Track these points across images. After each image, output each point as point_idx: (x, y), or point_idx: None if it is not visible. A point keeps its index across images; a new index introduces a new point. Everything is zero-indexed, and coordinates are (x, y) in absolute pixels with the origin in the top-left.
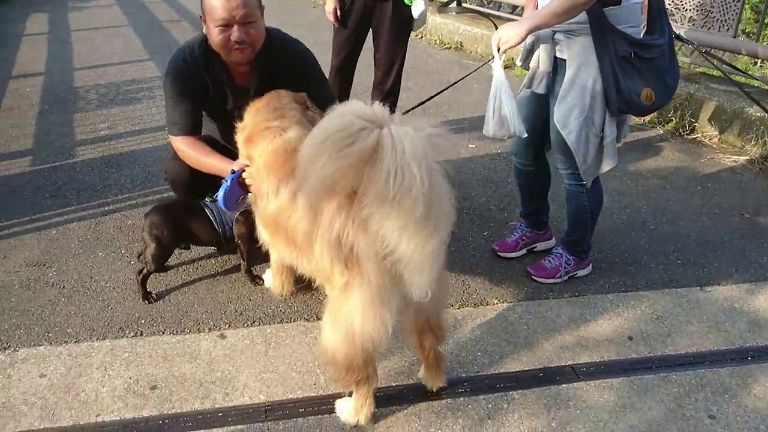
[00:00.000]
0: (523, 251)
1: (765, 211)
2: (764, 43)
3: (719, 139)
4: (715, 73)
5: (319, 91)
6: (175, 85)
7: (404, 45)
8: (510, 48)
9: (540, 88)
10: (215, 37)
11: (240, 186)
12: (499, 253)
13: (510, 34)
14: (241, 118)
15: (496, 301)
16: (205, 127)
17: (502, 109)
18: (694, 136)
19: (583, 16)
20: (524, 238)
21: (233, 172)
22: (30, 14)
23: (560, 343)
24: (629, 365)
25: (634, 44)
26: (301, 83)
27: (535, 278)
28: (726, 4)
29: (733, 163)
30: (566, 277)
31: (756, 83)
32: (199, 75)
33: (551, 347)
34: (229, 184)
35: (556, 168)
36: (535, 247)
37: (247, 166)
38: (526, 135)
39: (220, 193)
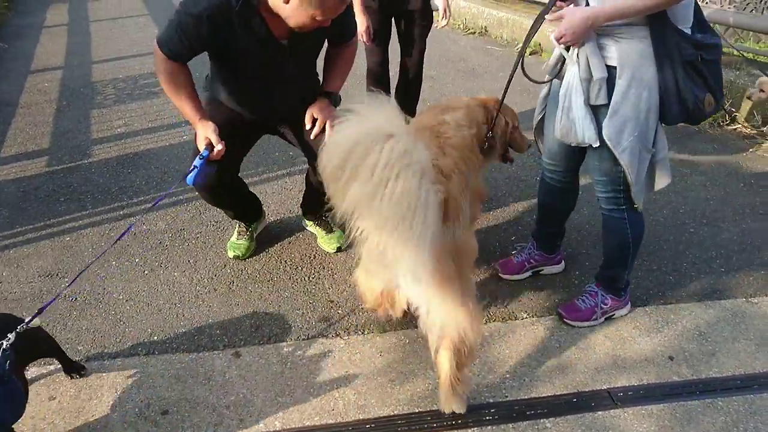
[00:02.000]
0: (528, 274)
1: None
2: None
3: (763, 131)
4: (761, 58)
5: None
6: (197, 19)
7: (426, 33)
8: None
9: (600, 99)
10: (304, 19)
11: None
12: (501, 275)
13: (579, 25)
14: (278, 71)
15: (525, 315)
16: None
17: (571, 112)
18: (734, 127)
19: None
20: (532, 260)
21: (203, 154)
22: (51, 4)
23: (595, 364)
24: (671, 389)
25: (700, 46)
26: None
27: (567, 321)
28: None
29: None
30: (602, 319)
31: None
32: (228, 26)
33: (585, 368)
34: (199, 168)
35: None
36: (542, 270)
37: (211, 144)
38: (598, 143)
39: (191, 177)
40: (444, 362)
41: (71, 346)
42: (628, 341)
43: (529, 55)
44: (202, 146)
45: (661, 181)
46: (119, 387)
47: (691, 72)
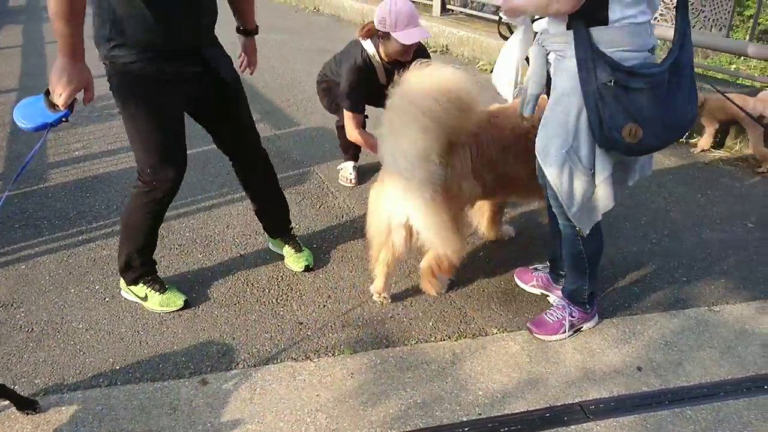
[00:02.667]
0: (536, 291)
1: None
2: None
3: (716, 143)
4: (709, 72)
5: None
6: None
7: None
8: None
9: (526, 111)
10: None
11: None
12: (516, 280)
13: None
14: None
15: (495, 331)
16: None
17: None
18: (689, 140)
19: (571, 35)
20: (539, 279)
21: (65, 113)
22: (4, 26)
23: (566, 377)
24: (640, 400)
25: (618, 70)
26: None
27: (536, 336)
28: (717, 4)
29: (731, 168)
30: (571, 332)
31: (739, 80)
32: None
33: (557, 382)
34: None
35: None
36: (548, 296)
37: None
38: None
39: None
40: (427, 259)
41: (28, 379)
42: (597, 353)
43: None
44: (64, 96)
45: (603, 204)
46: (80, 421)
47: (606, 95)
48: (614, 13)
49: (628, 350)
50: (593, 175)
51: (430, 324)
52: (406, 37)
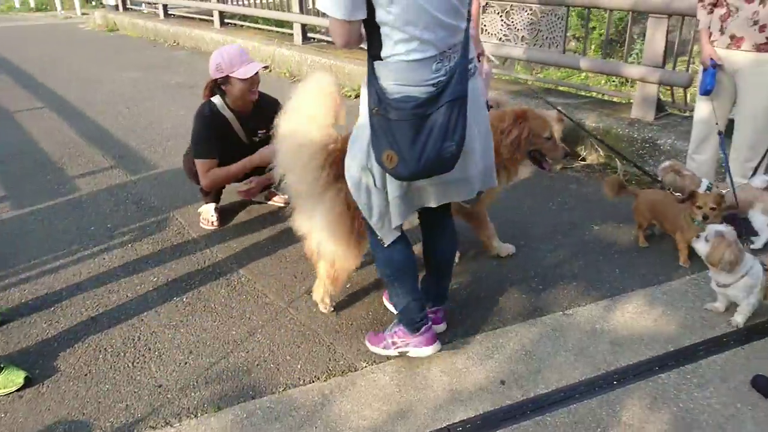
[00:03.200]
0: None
1: (611, 221)
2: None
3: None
4: (552, 86)
5: None
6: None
7: None
8: None
9: None
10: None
11: None
12: (385, 301)
13: None
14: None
15: (365, 364)
16: None
17: None
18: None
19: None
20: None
21: None
22: None
23: (434, 402)
24: (504, 414)
25: (382, 101)
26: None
27: (367, 345)
28: (552, 24)
29: (578, 175)
30: (395, 351)
31: (593, 94)
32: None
33: (425, 409)
34: None
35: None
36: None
37: None
38: None
39: None
40: (320, 269)
41: None
42: (463, 373)
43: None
44: None
45: (393, 220)
46: None
47: (375, 124)
48: (386, 50)
49: (492, 365)
50: (386, 193)
51: (299, 367)
52: (244, 71)
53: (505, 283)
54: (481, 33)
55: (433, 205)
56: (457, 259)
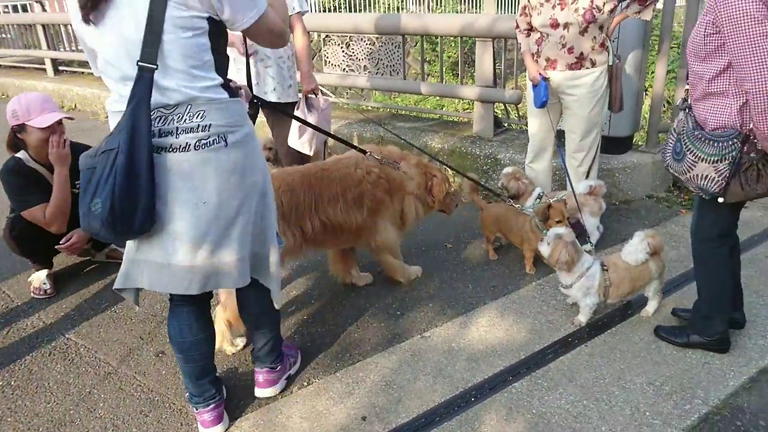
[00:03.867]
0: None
1: (463, 238)
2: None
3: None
4: (402, 111)
5: None
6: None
7: None
8: None
9: None
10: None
11: None
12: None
13: None
14: None
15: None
16: None
17: None
18: None
19: None
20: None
21: None
22: None
23: None
24: None
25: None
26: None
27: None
28: (390, 52)
29: None
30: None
31: (442, 117)
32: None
33: None
34: None
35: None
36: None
37: None
38: None
39: None
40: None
41: None
42: (324, 415)
43: None
44: None
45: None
46: None
47: None
48: None
49: (353, 402)
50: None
51: None
52: (41, 120)
53: (363, 314)
54: (325, 65)
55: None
56: (312, 295)
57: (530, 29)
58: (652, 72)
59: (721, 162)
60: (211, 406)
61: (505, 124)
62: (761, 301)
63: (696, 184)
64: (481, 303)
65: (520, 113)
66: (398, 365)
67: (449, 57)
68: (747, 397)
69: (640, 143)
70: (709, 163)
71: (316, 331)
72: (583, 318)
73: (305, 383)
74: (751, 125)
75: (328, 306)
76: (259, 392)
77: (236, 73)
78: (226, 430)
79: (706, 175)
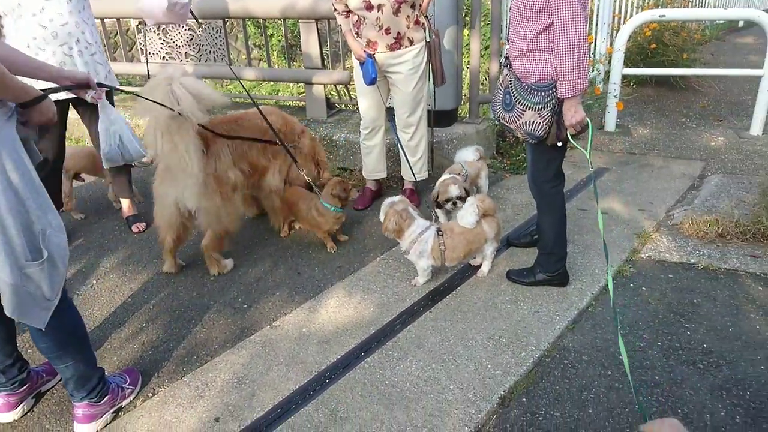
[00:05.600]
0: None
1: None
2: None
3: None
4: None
5: None
6: None
7: None
8: None
9: None
10: None
11: None
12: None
13: None
14: None
15: None
16: None
17: None
18: None
19: None
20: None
21: None
22: None
23: None
24: None
25: None
26: None
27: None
28: (212, 38)
29: None
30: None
31: (278, 102)
32: None
33: None
34: None
35: None
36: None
37: None
38: None
39: None
40: (206, 238)
41: None
42: (173, 424)
43: None
44: None
45: None
46: None
47: None
48: None
49: (203, 405)
50: None
51: None
52: None
53: (207, 312)
54: (142, 54)
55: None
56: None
57: (348, 11)
58: (468, 46)
59: (544, 109)
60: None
61: (338, 106)
62: (576, 250)
63: (525, 131)
64: (328, 285)
65: (352, 94)
66: (249, 359)
67: (279, 41)
68: (571, 338)
69: (463, 116)
70: (534, 110)
71: (157, 338)
72: (421, 279)
73: (150, 394)
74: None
75: (168, 310)
76: (78, 428)
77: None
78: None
79: (533, 122)
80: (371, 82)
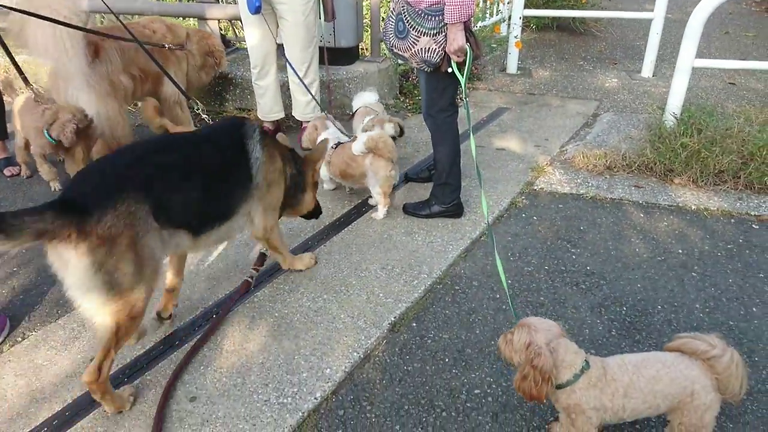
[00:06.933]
0: None
1: None
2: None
3: None
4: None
5: None
6: None
7: None
8: None
9: None
10: None
11: None
12: None
13: None
14: None
15: None
16: None
17: None
18: None
19: None
20: None
21: None
22: None
23: (9, 414)
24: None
25: None
26: None
27: None
28: None
29: None
30: None
31: None
32: None
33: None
34: None
35: None
36: None
37: None
38: None
39: None
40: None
41: None
42: (44, 367)
43: None
44: None
45: None
46: None
47: None
48: None
49: (78, 346)
50: None
51: None
52: None
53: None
54: None
55: None
56: None
57: None
58: None
59: (439, 34)
60: None
61: (234, 44)
62: (473, 183)
63: (420, 58)
64: None
65: None
66: None
67: None
68: (463, 265)
69: (365, 54)
70: (429, 36)
71: (29, 282)
72: (326, 186)
73: (19, 338)
74: None
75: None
76: None
77: None
78: None
79: (429, 48)
80: (256, 10)
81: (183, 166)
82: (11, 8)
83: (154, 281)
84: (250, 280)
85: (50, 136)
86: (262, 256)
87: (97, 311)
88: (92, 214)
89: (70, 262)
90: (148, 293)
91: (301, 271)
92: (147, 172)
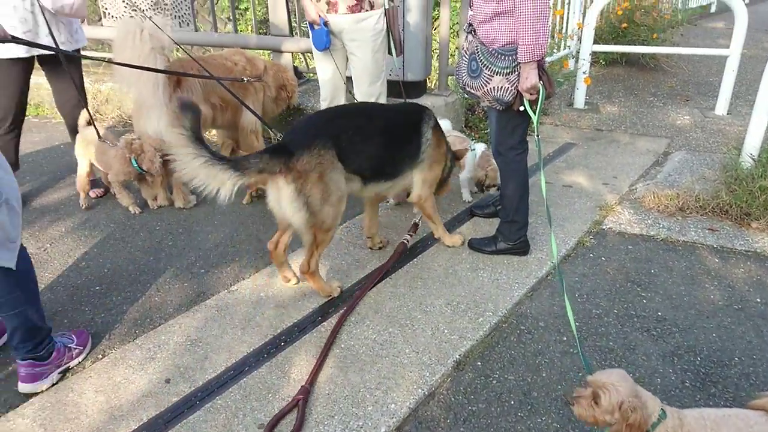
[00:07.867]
0: None
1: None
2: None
3: None
4: None
5: None
6: None
7: None
8: None
9: None
10: None
11: None
12: None
13: None
14: None
15: (2, 411)
16: None
17: None
18: None
19: None
20: None
21: None
22: None
23: (89, 430)
24: (170, 414)
25: None
26: None
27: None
28: (178, 2)
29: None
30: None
31: None
32: None
33: None
34: None
35: None
36: None
37: None
38: None
39: None
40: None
41: None
42: (122, 385)
43: None
44: None
45: None
46: None
47: None
48: None
49: (154, 367)
50: None
51: None
52: None
53: (163, 276)
54: (104, 16)
55: None
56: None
57: None
58: (438, 18)
59: (512, 73)
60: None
61: (307, 75)
62: (539, 221)
63: (493, 96)
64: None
65: None
66: (204, 322)
67: (246, 10)
68: (529, 304)
69: (432, 88)
70: (502, 75)
71: (110, 301)
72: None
73: (100, 356)
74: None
75: (123, 274)
76: (22, 387)
77: None
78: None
79: (501, 87)
80: (324, 47)
81: (365, 129)
82: (101, 59)
83: (339, 205)
84: (405, 242)
85: (139, 166)
86: (415, 225)
87: (300, 224)
88: (294, 154)
89: (281, 190)
90: (335, 213)
91: (448, 247)
92: (336, 128)
